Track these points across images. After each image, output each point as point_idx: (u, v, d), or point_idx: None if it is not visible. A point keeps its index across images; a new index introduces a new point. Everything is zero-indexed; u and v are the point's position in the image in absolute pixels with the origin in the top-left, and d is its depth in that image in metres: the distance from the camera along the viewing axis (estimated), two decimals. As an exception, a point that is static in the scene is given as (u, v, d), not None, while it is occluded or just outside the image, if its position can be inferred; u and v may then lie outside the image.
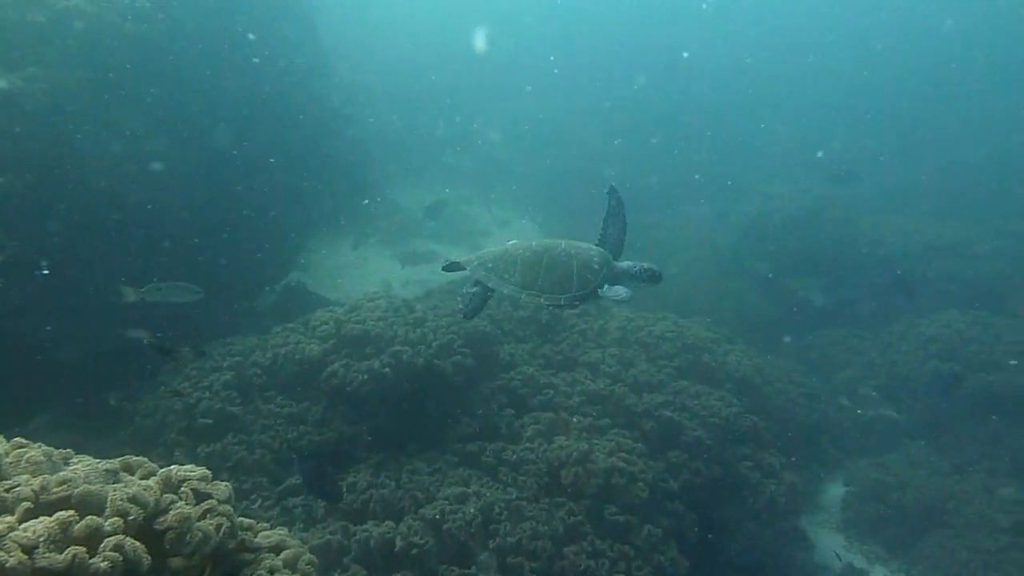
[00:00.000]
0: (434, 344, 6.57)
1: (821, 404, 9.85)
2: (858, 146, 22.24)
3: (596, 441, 6.42)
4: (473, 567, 4.86)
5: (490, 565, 4.97)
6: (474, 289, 4.88)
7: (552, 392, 7.11)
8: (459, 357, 6.67)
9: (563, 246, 4.68)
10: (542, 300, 4.54)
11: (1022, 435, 9.27)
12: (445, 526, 5.04)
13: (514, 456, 6.19)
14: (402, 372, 6.27)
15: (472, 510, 5.26)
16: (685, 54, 26.20)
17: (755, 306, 12.66)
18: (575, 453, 6.01)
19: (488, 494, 5.61)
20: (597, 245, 4.93)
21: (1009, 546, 7.65)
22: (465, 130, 20.72)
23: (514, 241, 4.95)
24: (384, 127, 17.59)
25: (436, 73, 22.26)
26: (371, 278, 11.78)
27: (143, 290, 6.89)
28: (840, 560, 7.80)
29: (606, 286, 4.57)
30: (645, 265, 4.79)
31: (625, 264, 4.82)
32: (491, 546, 5.09)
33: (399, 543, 4.86)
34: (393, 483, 5.59)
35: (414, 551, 4.80)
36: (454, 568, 4.77)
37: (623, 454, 6.26)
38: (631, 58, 26.70)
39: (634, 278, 4.78)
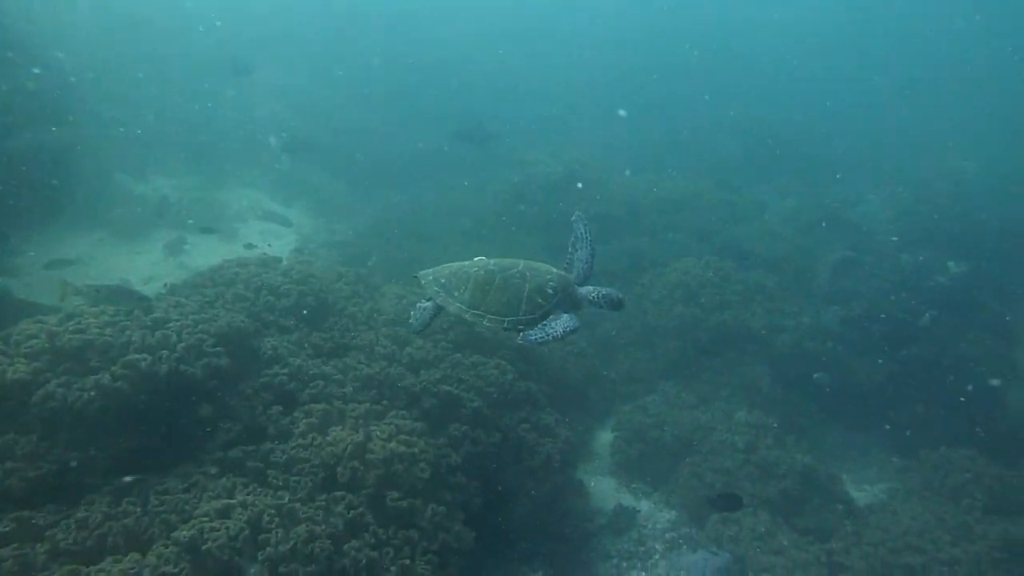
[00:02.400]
0: (179, 347, 5.82)
1: (588, 360, 10.54)
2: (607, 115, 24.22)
3: (374, 427, 6.19)
4: (241, 586, 4.40)
5: (261, 580, 4.54)
6: (427, 304, 4.81)
7: (323, 382, 6.71)
8: (211, 359, 5.99)
9: (521, 267, 4.59)
10: (485, 322, 4.42)
11: (749, 363, 10.73)
12: (204, 546, 4.50)
13: (284, 456, 5.74)
14: (141, 384, 5.47)
15: (237, 523, 4.76)
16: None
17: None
18: (350, 446, 5.72)
19: (256, 502, 5.12)
20: (564, 269, 4.88)
21: (743, 462, 8.83)
22: (209, 108, 18.92)
23: (480, 258, 4.86)
24: (123, 107, 15.45)
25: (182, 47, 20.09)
26: (104, 278, 10.24)
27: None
28: None
29: (545, 323, 4.44)
30: (604, 291, 4.72)
31: (585, 290, 4.74)
32: (261, 558, 4.65)
33: (148, 577, 4.24)
34: (138, 509, 4.87)
35: (167, 583, 4.21)
36: (217, 592, 4.28)
37: (403, 436, 6.12)
38: (371, 36, 26.83)
39: (593, 304, 4.72)
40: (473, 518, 6.21)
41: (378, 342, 7.61)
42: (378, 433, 6.06)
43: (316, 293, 8.02)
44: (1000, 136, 23.58)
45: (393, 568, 5.13)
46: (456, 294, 4.58)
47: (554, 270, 4.80)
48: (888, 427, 10.49)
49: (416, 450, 5.98)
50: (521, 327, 4.48)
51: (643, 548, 7.84)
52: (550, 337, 4.38)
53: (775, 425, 9.56)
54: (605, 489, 8.90)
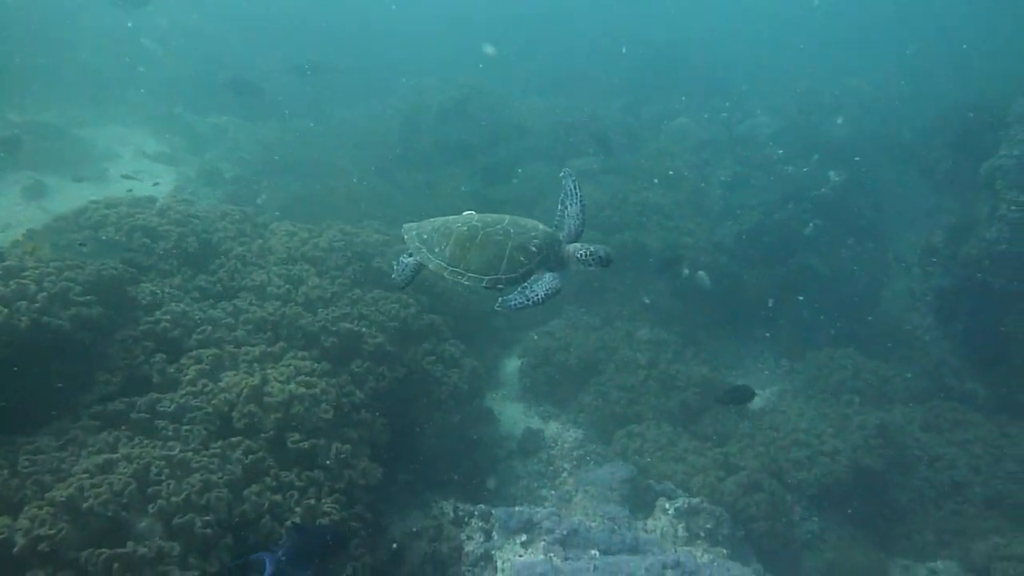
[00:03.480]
0: (40, 297, 5.29)
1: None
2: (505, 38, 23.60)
3: (271, 369, 5.94)
4: (130, 542, 4.15)
5: (152, 533, 4.31)
6: (409, 259, 4.66)
7: (212, 327, 6.33)
8: (80, 308, 5.50)
9: (505, 223, 4.44)
10: (464, 280, 4.28)
11: (649, 281, 11.01)
12: (85, 504, 4.19)
13: (173, 405, 5.40)
14: (-2, 339, 4.95)
15: (122, 477, 4.47)
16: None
17: (427, 200, 12.89)
18: (246, 390, 5.47)
19: (143, 454, 4.82)
20: (554, 227, 4.76)
21: (646, 378, 9.15)
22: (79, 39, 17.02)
23: (469, 212, 4.74)
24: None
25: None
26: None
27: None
28: None
29: (526, 285, 4.32)
30: (592, 248, 4.54)
31: (572, 247, 4.59)
32: (152, 511, 4.41)
33: (20, 540, 3.92)
34: (5, 472, 4.48)
35: (43, 545, 3.91)
36: (102, 550, 4.01)
37: (303, 377, 5.91)
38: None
39: (580, 262, 4.57)
40: (381, 453, 6.16)
41: (270, 282, 7.24)
42: (275, 375, 5.81)
43: (198, 234, 7.50)
44: (890, 52, 24.58)
45: (298, 509, 5.01)
46: (436, 250, 4.39)
47: (541, 227, 4.65)
48: (777, 333, 11.15)
49: (317, 390, 5.79)
50: (501, 286, 4.35)
51: (552, 468, 8.06)
52: (530, 302, 4.28)
53: (675, 340, 9.93)
54: (514, 414, 9.04)
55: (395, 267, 4.84)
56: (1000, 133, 10.04)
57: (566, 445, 8.46)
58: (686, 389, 9.07)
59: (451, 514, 6.31)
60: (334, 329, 6.75)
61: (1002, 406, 9.21)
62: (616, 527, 6.53)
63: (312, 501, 5.11)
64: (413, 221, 4.93)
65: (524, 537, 6.15)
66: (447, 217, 4.77)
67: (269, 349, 6.32)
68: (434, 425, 7.38)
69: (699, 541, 6.88)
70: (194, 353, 5.96)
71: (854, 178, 13.00)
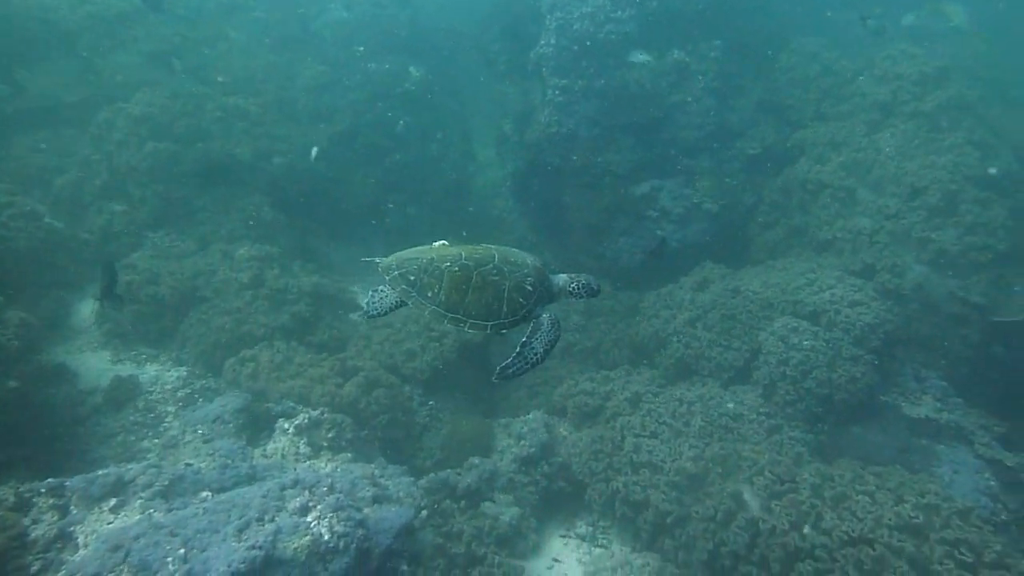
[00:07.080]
0: None
1: (42, 225, 8.58)
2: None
3: None
4: None
5: None
6: (388, 293, 4.19)
7: None
8: None
9: (496, 260, 4.09)
10: (466, 328, 3.98)
11: (246, 195, 10.15)
12: None
13: None
14: None
15: None
16: None
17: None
18: None
19: None
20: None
21: (252, 297, 8.57)
22: None
23: (442, 242, 4.42)
24: None
25: None
26: None
27: None
28: None
29: (523, 347, 3.95)
30: (583, 280, 4.31)
31: (562, 279, 4.33)
32: None
33: None
34: None
35: None
36: None
37: None
38: None
39: (572, 295, 4.30)
40: None
41: None
42: None
43: None
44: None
45: None
46: (430, 295, 3.95)
47: (529, 260, 4.23)
48: (385, 231, 11.42)
49: None
50: (504, 331, 4.06)
51: (152, 415, 7.13)
52: (530, 364, 3.96)
53: (280, 253, 9.43)
54: (98, 364, 7.73)
55: (370, 295, 4.29)
56: (540, 24, 11.04)
57: (168, 386, 7.56)
58: (298, 301, 8.76)
59: (10, 499, 5.13)
60: None
61: (568, 266, 10.89)
62: (230, 461, 6.08)
63: None
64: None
65: (114, 501, 5.32)
66: (426, 252, 4.24)
67: None
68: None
69: (323, 452, 6.85)
70: None
71: (434, 72, 13.45)
